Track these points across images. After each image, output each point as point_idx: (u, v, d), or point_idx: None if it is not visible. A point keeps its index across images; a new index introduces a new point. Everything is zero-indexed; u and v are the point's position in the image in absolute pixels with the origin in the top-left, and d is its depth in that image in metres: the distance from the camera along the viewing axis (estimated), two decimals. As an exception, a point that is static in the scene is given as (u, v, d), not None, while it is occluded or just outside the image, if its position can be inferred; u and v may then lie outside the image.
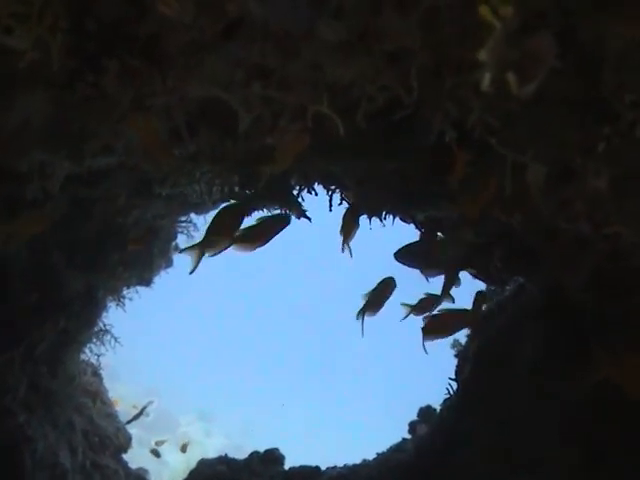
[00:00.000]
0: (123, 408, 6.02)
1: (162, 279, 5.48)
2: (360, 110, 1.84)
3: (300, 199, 2.91)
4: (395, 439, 4.65)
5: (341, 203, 2.90)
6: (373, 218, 2.80)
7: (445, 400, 4.05)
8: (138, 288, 5.40)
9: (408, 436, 4.59)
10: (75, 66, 1.83)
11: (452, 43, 1.66)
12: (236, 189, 2.79)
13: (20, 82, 1.89)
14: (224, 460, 4.57)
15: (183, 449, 7.01)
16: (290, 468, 4.49)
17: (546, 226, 2.57)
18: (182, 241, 5.29)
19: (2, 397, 4.35)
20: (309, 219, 2.92)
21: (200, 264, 4.61)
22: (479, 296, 3.42)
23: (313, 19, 1.64)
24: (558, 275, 2.98)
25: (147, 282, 5.34)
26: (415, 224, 3.11)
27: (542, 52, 1.55)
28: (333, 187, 2.77)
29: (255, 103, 1.85)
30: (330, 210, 2.83)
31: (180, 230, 5.19)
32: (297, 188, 2.82)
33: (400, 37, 1.66)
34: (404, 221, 3.06)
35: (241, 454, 4.71)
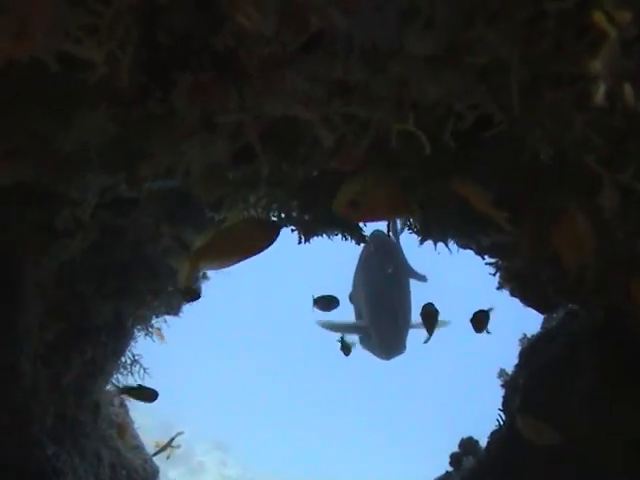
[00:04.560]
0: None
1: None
2: (447, 129, 1.73)
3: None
4: (433, 472, 4.54)
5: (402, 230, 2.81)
6: (438, 244, 2.70)
7: (493, 432, 3.92)
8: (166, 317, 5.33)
9: (450, 468, 4.46)
10: (143, 81, 1.73)
11: (550, 56, 1.55)
12: (294, 214, 2.69)
13: (81, 99, 1.79)
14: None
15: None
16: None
17: (618, 249, 2.47)
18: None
19: (29, 427, 4.25)
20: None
21: (217, 294, 4.53)
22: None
23: (402, 33, 1.54)
24: (619, 301, 2.87)
25: (175, 311, 5.24)
26: (477, 251, 3.02)
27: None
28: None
29: (336, 121, 1.74)
30: (388, 236, 2.75)
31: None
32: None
33: (494, 48, 1.56)
34: (466, 247, 2.96)
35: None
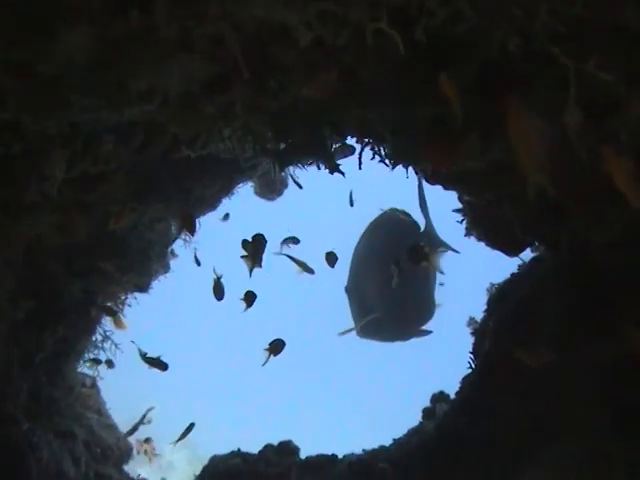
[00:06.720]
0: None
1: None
2: (419, 26, 1.81)
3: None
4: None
5: (373, 158, 2.85)
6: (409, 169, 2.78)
7: (464, 377, 3.99)
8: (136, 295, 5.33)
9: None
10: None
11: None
12: (268, 145, 2.74)
13: (64, 14, 1.82)
14: (237, 454, 4.51)
15: None
16: (307, 457, 4.43)
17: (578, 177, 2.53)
18: (179, 245, 5.23)
19: (3, 404, 4.27)
20: (343, 174, 2.88)
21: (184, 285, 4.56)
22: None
23: None
24: (586, 232, 2.94)
25: (144, 288, 5.26)
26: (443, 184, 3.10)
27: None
28: (367, 140, 2.73)
29: (314, 23, 1.81)
30: (360, 168, 2.79)
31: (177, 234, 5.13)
32: (330, 141, 2.78)
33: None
34: (435, 182, 3.04)
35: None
